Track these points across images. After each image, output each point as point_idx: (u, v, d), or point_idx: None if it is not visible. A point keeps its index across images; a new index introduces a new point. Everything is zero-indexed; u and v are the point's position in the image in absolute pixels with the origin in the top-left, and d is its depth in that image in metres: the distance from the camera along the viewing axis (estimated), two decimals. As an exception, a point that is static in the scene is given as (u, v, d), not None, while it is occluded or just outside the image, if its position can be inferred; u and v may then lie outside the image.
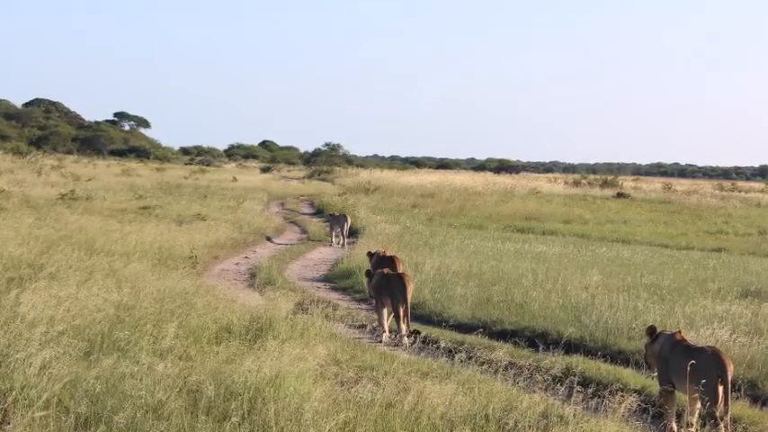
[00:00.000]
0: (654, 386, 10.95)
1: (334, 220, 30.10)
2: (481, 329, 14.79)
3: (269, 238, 30.41)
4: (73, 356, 9.40)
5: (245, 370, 9.09)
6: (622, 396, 9.46)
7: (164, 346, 10.38)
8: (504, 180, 74.15)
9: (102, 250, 18.44)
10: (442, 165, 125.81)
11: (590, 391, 10.52)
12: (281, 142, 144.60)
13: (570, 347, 13.60)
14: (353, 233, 30.60)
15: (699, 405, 9.79)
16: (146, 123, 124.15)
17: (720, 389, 9.56)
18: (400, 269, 16.79)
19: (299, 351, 10.40)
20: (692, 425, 9.89)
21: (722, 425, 9.47)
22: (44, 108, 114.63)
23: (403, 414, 8.63)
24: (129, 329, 10.64)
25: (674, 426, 10.16)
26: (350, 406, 8.63)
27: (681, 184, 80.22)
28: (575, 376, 10.88)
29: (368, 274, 15.94)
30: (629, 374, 12.19)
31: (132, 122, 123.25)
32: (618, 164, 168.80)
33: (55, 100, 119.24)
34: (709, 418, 9.56)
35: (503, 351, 12.39)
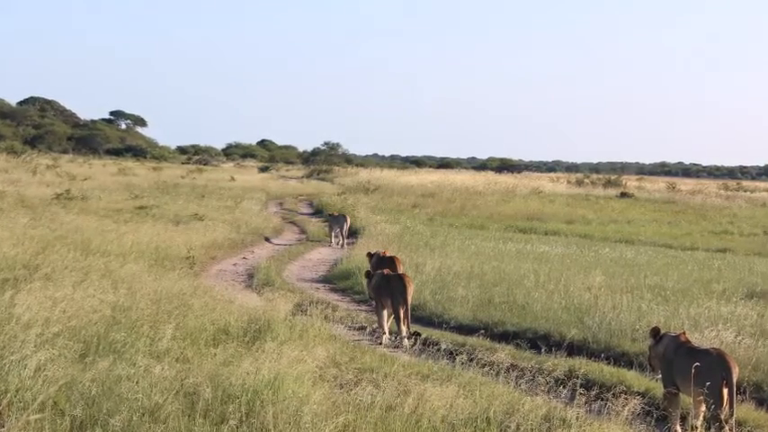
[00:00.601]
0: (658, 389, 10.86)
1: (334, 220, 29.97)
2: (482, 331, 14.69)
3: (267, 239, 30.29)
4: (68, 358, 9.30)
5: (242, 372, 9.00)
6: (626, 398, 9.40)
7: (160, 348, 10.28)
8: (506, 179, 74.05)
9: (98, 251, 18.35)
10: (443, 164, 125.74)
11: (593, 393, 10.39)
12: (280, 141, 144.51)
13: (573, 349, 13.46)
14: (353, 233, 30.47)
15: (703, 408, 9.69)
16: (142, 122, 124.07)
17: (725, 391, 9.48)
18: (400, 270, 16.66)
19: (298, 353, 10.33)
20: (696, 428, 9.78)
21: (727, 428, 9.37)
22: (39, 107, 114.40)
23: (403, 417, 8.53)
24: (126, 331, 10.54)
25: (678, 428, 10.08)
26: (349, 409, 8.54)
27: (685, 184, 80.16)
28: (577, 378, 10.82)
29: (368, 274, 15.81)
30: (632, 377, 12.07)
31: (129, 121, 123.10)
32: (621, 163, 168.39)
33: (50, 98, 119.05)
34: (713, 420, 9.46)
35: (504, 353, 12.29)
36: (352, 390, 9.36)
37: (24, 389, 8.15)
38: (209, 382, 8.66)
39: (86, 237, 20.28)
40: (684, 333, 10.56)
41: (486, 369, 11.17)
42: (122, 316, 11.39)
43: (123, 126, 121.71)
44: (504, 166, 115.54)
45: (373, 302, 15.38)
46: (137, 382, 8.57)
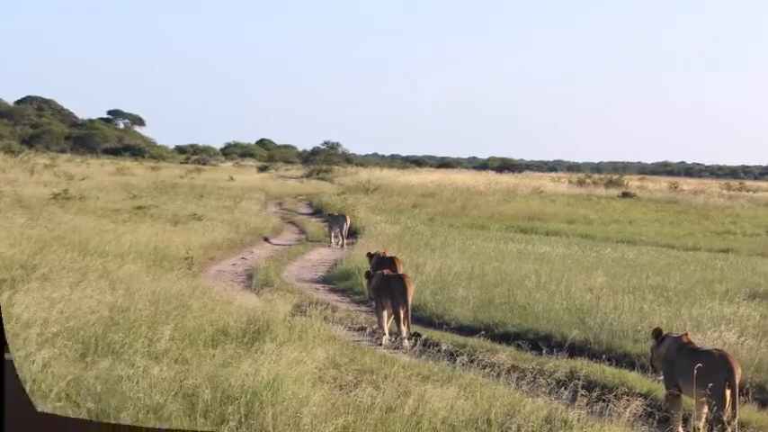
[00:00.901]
0: (660, 390, 10.78)
1: (333, 220, 29.87)
2: (483, 332, 14.58)
3: (266, 239, 30.17)
4: (69, 358, 9.40)
5: (241, 373, 8.97)
6: (628, 400, 9.38)
7: (159, 349, 10.28)
8: (507, 179, 73.82)
9: (96, 251, 18.32)
10: (444, 164, 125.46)
11: (595, 394, 10.28)
12: (279, 141, 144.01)
13: (574, 350, 13.38)
14: (353, 233, 30.36)
15: (706, 409, 9.62)
16: (140, 121, 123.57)
17: (728, 393, 9.44)
18: (401, 270, 16.58)
19: (297, 354, 10.32)
20: (698, 429, 9.70)
21: (729, 429, 9.31)
22: (36, 106, 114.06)
23: (403, 418, 8.48)
24: (124, 332, 10.54)
25: (681, 430, 10.02)
26: (349, 410, 8.50)
27: (687, 184, 79.84)
28: (579, 380, 10.79)
29: (367, 275, 15.74)
30: (634, 378, 11.99)
31: (127, 120, 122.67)
32: (623, 163, 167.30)
33: (47, 97, 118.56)
34: (716, 422, 9.40)
35: (505, 354, 12.21)
36: (351, 391, 9.32)
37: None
38: (207, 383, 8.64)
39: (84, 237, 20.22)
40: (687, 334, 10.50)
41: (487, 370, 11.13)
42: (120, 317, 11.37)
43: (121, 125, 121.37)
44: (505, 165, 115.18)
45: (373, 303, 15.30)
46: (137, 383, 8.62)
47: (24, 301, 10.96)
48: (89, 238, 20.12)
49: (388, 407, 8.76)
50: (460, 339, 14.30)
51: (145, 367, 9.08)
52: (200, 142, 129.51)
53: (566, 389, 10.30)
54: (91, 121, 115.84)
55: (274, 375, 8.94)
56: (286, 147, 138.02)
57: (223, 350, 10.54)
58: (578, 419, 8.87)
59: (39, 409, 7.49)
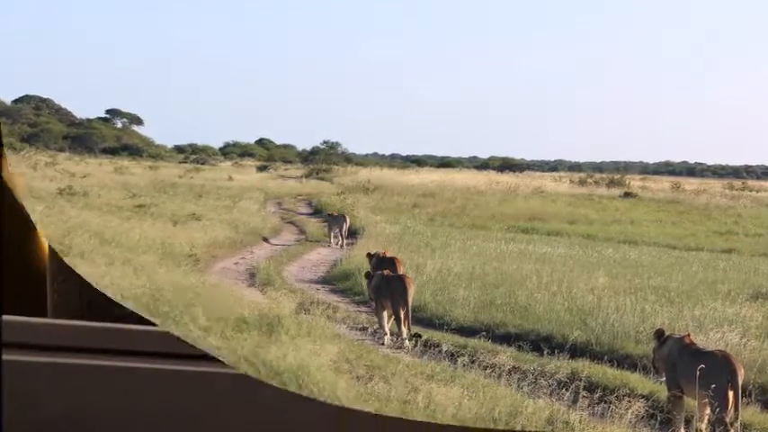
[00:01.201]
0: (662, 391, 10.78)
1: (333, 220, 29.76)
2: (484, 333, 14.55)
3: (266, 239, 30.04)
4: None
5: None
6: (629, 401, 9.43)
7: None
8: (508, 179, 73.57)
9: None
10: (444, 163, 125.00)
11: (596, 396, 10.34)
12: (278, 140, 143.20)
13: (576, 351, 13.33)
14: (352, 234, 30.25)
15: (708, 410, 9.65)
16: (139, 120, 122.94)
17: (730, 394, 9.45)
18: (401, 271, 16.57)
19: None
20: (701, 431, 9.70)
21: (732, 431, 9.29)
22: (34, 105, 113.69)
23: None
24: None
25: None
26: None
27: (689, 184, 79.38)
28: (580, 381, 10.76)
29: (367, 275, 15.73)
30: (636, 379, 11.97)
31: (125, 119, 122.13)
32: (624, 162, 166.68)
33: (45, 96, 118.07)
34: (718, 423, 9.40)
35: (506, 355, 12.23)
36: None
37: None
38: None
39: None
40: (689, 335, 10.51)
41: (488, 371, 11.13)
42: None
43: (119, 125, 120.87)
44: (506, 165, 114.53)
45: (373, 304, 15.29)
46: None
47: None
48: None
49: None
50: (461, 340, 14.25)
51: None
52: (199, 142, 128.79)
53: (567, 390, 10.32)
54: (89, 120, 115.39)
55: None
56: (285, 146, 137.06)
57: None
58: (580, 421, 8.92)
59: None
